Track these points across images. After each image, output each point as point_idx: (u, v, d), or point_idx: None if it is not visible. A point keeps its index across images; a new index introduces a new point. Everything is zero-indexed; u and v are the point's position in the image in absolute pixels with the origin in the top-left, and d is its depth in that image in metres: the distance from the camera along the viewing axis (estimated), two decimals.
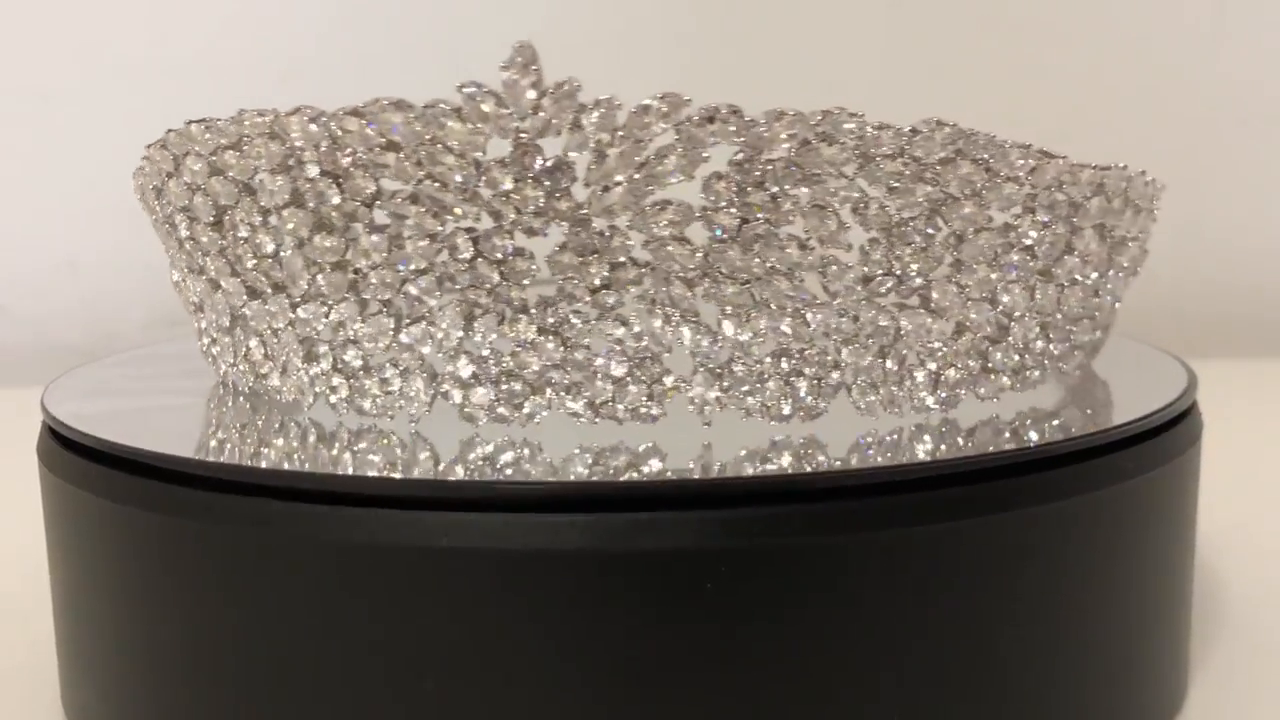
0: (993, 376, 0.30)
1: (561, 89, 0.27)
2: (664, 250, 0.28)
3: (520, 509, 0.26)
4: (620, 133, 0.28)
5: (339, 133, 0.28)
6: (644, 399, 0.29)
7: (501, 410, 0.29)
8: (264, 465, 0.28)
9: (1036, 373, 0.30)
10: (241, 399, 0.32)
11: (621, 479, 0.26)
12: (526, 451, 0.28)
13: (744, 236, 0.28)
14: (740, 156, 0.28)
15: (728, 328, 0.28)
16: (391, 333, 0.29)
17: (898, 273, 0.28)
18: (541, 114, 0.28)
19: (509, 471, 0.27)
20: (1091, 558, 0.28)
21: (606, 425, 0.29)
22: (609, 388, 0.29)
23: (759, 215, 0.28)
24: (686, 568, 0.26)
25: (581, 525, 0.26)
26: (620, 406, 0.29)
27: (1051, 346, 0.30)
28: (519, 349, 0.29)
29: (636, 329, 0.29)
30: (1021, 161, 0.28)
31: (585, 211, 0.28)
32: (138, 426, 0.31)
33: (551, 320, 0.29)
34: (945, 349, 0.29)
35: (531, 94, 0.27)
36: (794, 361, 0.29)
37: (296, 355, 0.30)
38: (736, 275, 0.28)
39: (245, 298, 0.31)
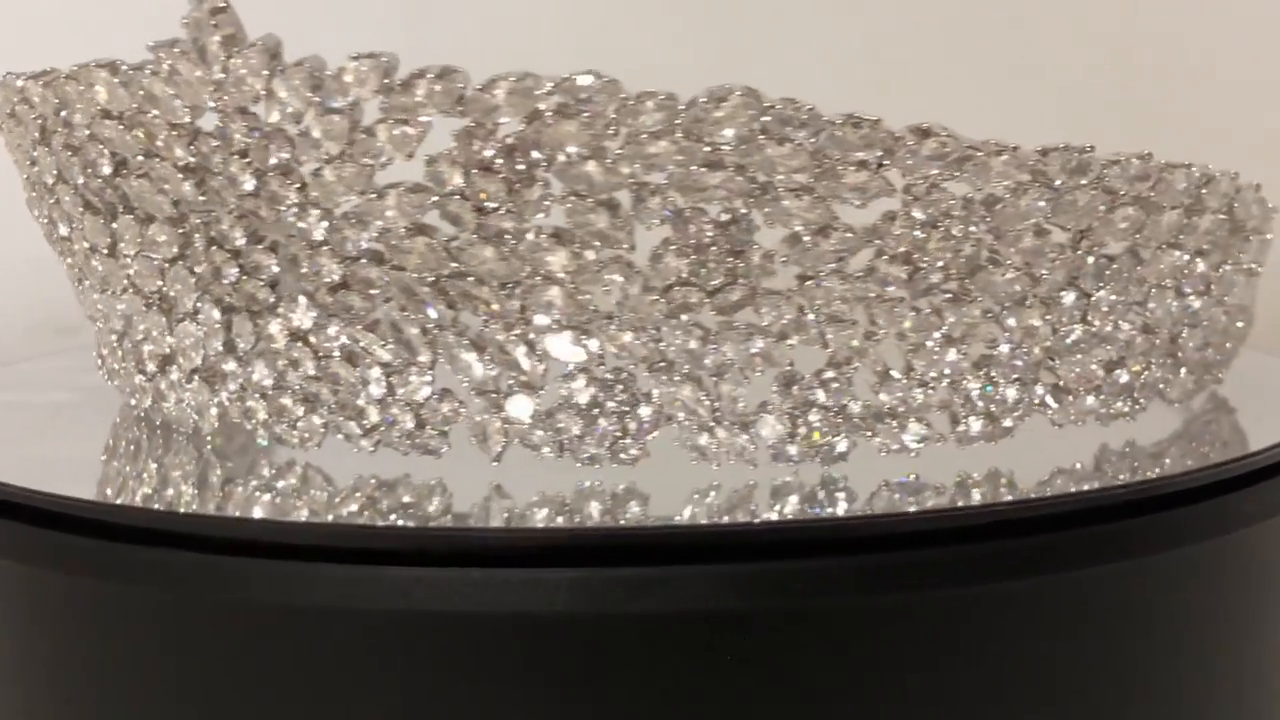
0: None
1: (256, 45, 0.25)
2: (398, 244, 0.26)
3: (499, 563, 0.24)
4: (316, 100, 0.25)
5: (63, 99, 0.27)
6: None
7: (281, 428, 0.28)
8: (183, 511, 0.27)
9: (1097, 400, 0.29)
10: (145, 424, 0.31)
11: (620, 525, 0.25)
12: (498, 495, 0.27)
13: (487, 231, 0.26)
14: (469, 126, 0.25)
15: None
16: (164, 328, 0.28)
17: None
18: (232, 75, 0.26)
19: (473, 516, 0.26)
20: (1203, 616, 0.27)
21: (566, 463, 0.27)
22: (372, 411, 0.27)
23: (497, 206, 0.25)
24: (700, 633, 0.24)
25: (572, 582, 0.24)
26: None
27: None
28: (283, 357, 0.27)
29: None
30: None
31: (302, 199, 0.26)
32: (27, 464, 0.30)
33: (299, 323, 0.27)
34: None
35: (218, 51, 0.26)
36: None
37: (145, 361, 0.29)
38: (492, 277, 0.26)
39: (93, 295, 0.29)
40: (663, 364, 0.26)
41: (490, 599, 0.24)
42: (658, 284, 0.26)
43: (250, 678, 0.25)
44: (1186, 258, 0.29)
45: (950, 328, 0.27)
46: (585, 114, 0.25)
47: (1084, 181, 0.27)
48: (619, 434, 0.27)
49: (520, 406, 0.27)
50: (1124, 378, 0.29)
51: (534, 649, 0.24)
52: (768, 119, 0.25)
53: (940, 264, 0.26)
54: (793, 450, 0.27)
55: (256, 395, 0.28)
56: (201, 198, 0.27)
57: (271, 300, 0.27)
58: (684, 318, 0.26)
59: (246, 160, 0.26)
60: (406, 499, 0.27)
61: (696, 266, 0.26)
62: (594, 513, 0.26)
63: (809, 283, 0.26)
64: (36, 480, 0.28)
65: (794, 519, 0.25)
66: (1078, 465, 0.28)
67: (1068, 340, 0.28)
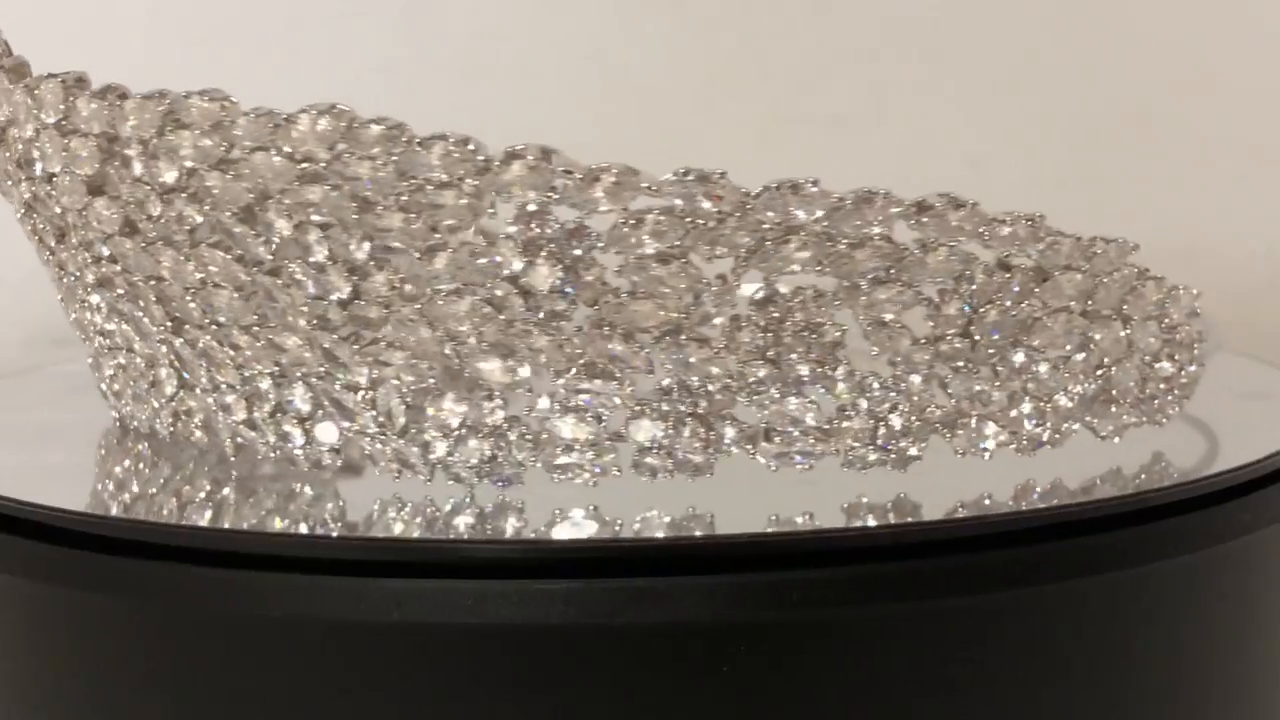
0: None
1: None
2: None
3: (493, 574, 0.24)
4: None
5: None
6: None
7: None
8: (176, 523, 0.27)
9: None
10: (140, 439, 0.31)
11: (618, 537, 0.25)
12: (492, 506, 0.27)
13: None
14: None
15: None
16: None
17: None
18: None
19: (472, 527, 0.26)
20: (1199, 626, 0.27)
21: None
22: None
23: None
24: (696, 644, 0.24)
25: (567, 594, 0.24)
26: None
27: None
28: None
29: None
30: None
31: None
32: (25, 476, 0.30)
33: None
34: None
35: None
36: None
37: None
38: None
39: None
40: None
41: (484, 611, 0.24)
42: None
43: (243, 690, 0.25)
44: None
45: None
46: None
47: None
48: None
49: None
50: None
51: (528, 661, 0.24)
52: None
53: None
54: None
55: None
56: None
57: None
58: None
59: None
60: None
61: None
62: (588, 525, 0.26)
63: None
64: (34, 493, 0.27)
65: (789, 530, 0.25)
66: (986, 499, 0.27)
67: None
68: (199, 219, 0.25)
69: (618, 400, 0.26)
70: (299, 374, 0.27)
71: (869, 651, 0.24)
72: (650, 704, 0.24)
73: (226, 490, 0.28)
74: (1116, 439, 0.28)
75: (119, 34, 0.47)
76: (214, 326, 0.26)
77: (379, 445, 0.26)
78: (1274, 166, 0.54)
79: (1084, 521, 0.26)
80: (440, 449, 0.26)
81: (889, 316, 0.26)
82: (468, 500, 0.26)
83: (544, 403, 0.26)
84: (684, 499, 0.27)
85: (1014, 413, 0.27)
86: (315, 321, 0.26)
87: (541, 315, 0.25)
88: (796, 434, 0.26)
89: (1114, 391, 0.28)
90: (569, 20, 0.52)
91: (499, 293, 0.25)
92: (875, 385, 0.26)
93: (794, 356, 0.26)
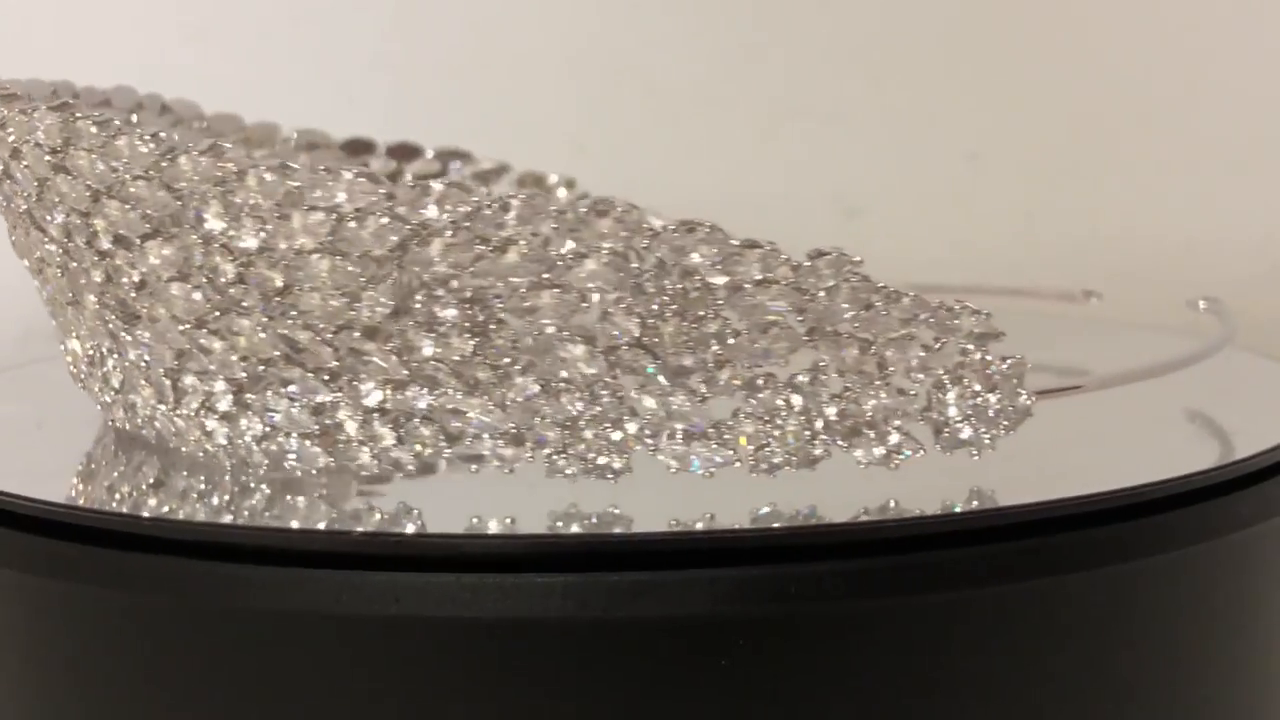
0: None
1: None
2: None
3: (491, 568, 0.24)
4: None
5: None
6: None
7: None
8: (173, 517, 0.26)
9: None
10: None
11: (617, 531, 0.25)
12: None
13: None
14: None
15: None
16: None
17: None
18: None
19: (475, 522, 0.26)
20: (1198, 620, 0.27)
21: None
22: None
23: None
24: (695, 638, 0.24)
25: (565, 587, 0.24)
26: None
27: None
28: None
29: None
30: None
31: None
32: (22, 471, 0.30)
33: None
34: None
35: None
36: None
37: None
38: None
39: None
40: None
41: (482, 604, 0.24)
42: None
43: (241, 683, 0.25)
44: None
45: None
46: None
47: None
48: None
49: None
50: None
51: (526, 655, 0.24)
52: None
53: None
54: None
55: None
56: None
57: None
58: None
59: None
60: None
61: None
62: (586, 520, 0.26)
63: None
64: (31, 487, 0.27)
65: (790, 524, 0.25)
66: (891, 502, 0.27)
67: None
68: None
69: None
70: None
71: (867, 646, 0.24)
72: (648, 698, 0.24)
73: (222, 484, 0.28)
74: (894, 465, 0.26)
75: (119, 33, 0.47)
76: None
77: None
78: (1273, 159, 0.55)
79: (1082, 515, 0.25)
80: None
81: (549, 327, 0.25)
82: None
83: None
84: (686, 495, 0.27)
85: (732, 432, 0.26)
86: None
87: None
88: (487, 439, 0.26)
89: (863, 417, 0.26)
90: (567, 17, 0.52)
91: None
92: (605, 397, 0.26)
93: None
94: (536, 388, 0.26)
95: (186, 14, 0.50)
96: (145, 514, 0.26)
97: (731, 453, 0.26)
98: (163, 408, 0.27)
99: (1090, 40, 0.55)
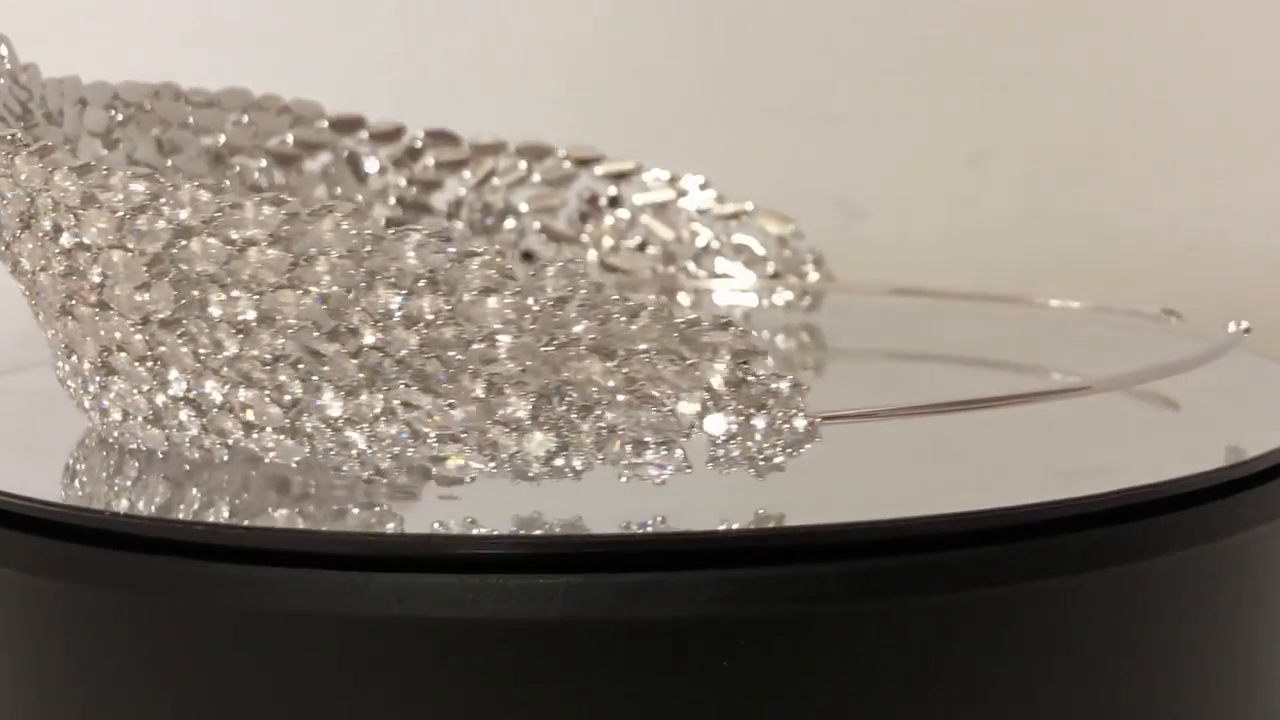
0: None
1: None
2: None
3: (492, 569, 0.24)
4: None
5: None
6: None
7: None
8: (175, 518, 0.26)
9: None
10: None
11: (617, 531, 0.25)
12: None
13: None
14: None
15: None
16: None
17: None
18: None
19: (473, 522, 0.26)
20: (1199, 622, 0.27)
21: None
22: None
23: None
24: (697, 639, 0.24)
25: (568, 588, 0.24)
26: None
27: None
28: None
29: None
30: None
31: None
32: (23, 471, 0.30)
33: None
34: None
35: None
36: None
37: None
38: None
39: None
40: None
41: (485, 605, 0.24)
42: None
43: (243, 685, 0.25)
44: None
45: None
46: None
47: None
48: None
49: None
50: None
51: (529, 656, 0.24)
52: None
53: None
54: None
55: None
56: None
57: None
58: None
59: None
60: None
61: None
62: (589, 520, 0.25)
63: None
64: (33, 488, 0.27)
65: (792, 525, 0.25)
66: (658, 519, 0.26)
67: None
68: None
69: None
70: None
71: (870, 647, 0.24)
72: (651, 699, 0.24)
73: (223, 485, 0.28)
74: (660, 481, 0.25)
75: (118, 32, 0.47)
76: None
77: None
78: (1274, 160, 0.55)
79: (1085, 517, 0.25)
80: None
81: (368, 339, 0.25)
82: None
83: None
84: (688, 494, 0.27)
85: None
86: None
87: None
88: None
89: (619, 431, 0.25)
90: (567, 17, 0.52)
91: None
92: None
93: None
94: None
95: (188, 14, 0.50)
96: (146, 514, 0.26)
97: (491, 461, 0.26)
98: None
99: (1091, 41, 0.55)
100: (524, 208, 0.41)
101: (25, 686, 0.27)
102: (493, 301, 0.25)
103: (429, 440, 0.25)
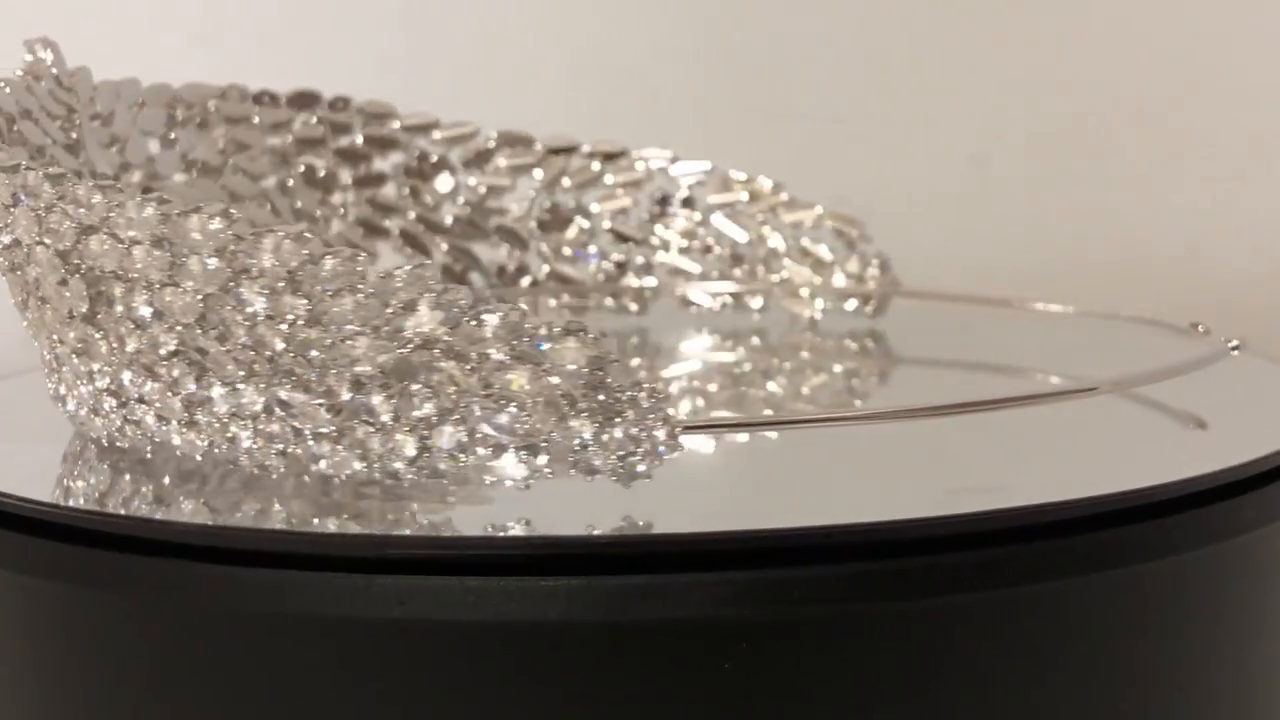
0: None
1: None
2: None
3: (495, 571, 0.24)
4: None
5: None
6: None
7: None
8: (171, 519, 0.26)
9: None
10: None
11: (618, 534, 0.25)
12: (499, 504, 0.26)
13: None
14: None
15: None
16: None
17: None
18: None
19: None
20: (1202, 624, 0.27)
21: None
22: None
23: None
24: (699, 641, 0.24)
25: (570, 591, 0.24)
26: None
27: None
28: None
29: None
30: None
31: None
32: (25, 472, 0.30)
33: None
34: None
35: None
36: None
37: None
38: None
39: None
40: None
41: (487, 607, 0.24)
42: None
43: (244, 687, 0.25)
44: None
45: None
46: None
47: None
48: None
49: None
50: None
51: (531, 658, 0.24)
52: None
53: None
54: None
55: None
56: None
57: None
58: None
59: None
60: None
61: None
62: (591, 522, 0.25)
63: None
64: (34, 489, 0.27)
65: (793, 526, 0.25)
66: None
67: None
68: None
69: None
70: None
71: (870, 649, 0.24)
72: (652, 701, 0.24)
73: (229, 486, 0.28)
74: (526, 486, 0.25)
75: (120, 31, 0.47)
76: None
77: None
78: (1276, 162, 0.55)
79: (1087, 518, 0.25)
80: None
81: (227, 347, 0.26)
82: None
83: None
84: (690, 496, 0.27)
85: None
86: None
87: None
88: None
89: (480, 435, 0.26)
90: (568, 18, 0.52)
91: None
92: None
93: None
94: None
95: (192, 15, 0.50)
96: (147, 516, 0.26)
97: (363, 461, 0.26)
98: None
99: (1093, 43, 0.55)
100: (595, 208, 0.41)
101: (26, 688, 0.27)
102: (347, 301, 0.25)
103: (307, 438, 0.26)
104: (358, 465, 0.25)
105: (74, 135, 0.32)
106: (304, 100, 0.39)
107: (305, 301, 0.25)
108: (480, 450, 0.25)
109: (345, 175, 0.40)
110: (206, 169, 0.38)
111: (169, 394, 0.26)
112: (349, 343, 0.25)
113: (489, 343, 0.25)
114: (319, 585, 0.24)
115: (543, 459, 0.25)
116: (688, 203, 0.41)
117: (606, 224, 0.41)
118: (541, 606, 0.24)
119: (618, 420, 0.25)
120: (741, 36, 0.53)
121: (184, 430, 0.27)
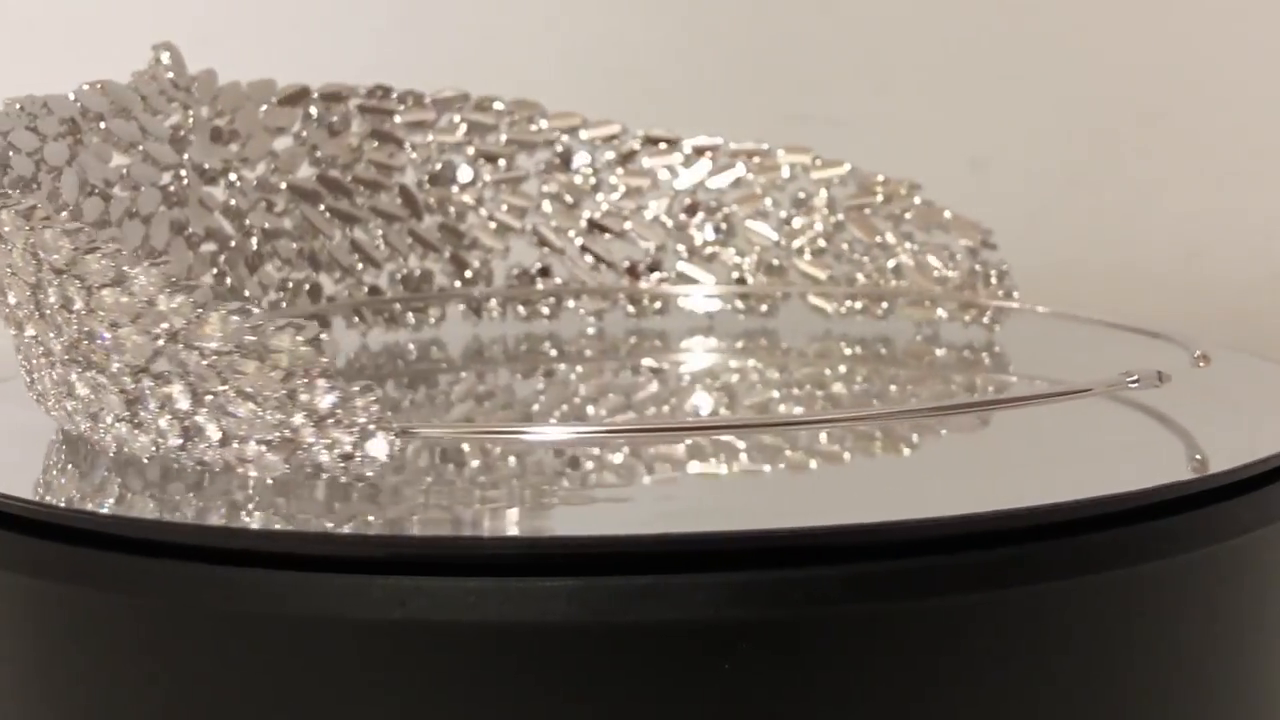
0: None
1: None
2: None
3: (496, 572, 0.24)
4: None
5: None
6: None
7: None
8: (178, 520, 0.26)
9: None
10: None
11: (618, 534, 0.25)
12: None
13: None
14: None
15: None
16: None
17: None
18: None
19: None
20: (1200, 625, 0.27)
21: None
22: None
23: None
24: (699, 642, 0.24)
25: (570, 591, 0.24)
26: None
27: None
28: None
29: None
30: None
31: None
32: (26, 473, 0.29)
33: None
34: None
35: None
36: None
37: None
38: None
39: None
40: None
41: (487, 608, 0.24)
42: None
43: (245, 688, 0.25)
44: None
45: None
46: None
47: None
48: None
49: None
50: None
51: (531, 659, 0.24)
52: None
53: None
54: None
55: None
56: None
57: None
58: None
59: None
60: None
61: None
62: (591, 523, 0.26)
63: None
64: (35, 489, 0.28)
65: (793, 526, 0.25)
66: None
67: None
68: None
69: None
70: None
71: (870, 650, 0.24)
72: (652, 701, 0.24)
73: (231, 486, 0.28)
74: (269, 480, 0.27)
75: (123, 32, 0.47)
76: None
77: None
78: (1274, 165, 0.55)
79: (1085, 520, 0.25)
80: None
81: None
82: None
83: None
84: (691, 495, 0.27)
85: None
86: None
87: None
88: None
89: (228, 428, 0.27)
90: (569, 19, 0.52)
91: None
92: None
93: None
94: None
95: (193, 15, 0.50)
96: (149, 517, 0.26)
97: (155, 447, 0.27)
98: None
99: (1093, 47, 0.55)
100: (735, 208, 0.41)
101: (30, 688, 0.27)
102: (108, 295, 0.26)
103: (108, 421, 0.27)
104: (152, 452, 0.27)
105: (182, 133, 0.35)
106: (450, 102, 0.40)
107: (84, 293, 0.26)
108: (236, 443, 0.26)
109: (487, 174, 0.41)
110: (334, 164, 0.39)
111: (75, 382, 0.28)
112: (119, 332, 0.26)
113: (214, 338, 0.26)
114: (319, 586, 0.24)
115: (279, 455, 0.26)
116: (819, 204, 0.40)
117: (744, 223, 0.41)
118: (542, 607, 0.24)
119: (331, 423, 0.26)
120: (741, 38, 0.53)
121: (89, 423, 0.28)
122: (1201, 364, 0.31)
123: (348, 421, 0.25)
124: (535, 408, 0.36)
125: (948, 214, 0.39)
